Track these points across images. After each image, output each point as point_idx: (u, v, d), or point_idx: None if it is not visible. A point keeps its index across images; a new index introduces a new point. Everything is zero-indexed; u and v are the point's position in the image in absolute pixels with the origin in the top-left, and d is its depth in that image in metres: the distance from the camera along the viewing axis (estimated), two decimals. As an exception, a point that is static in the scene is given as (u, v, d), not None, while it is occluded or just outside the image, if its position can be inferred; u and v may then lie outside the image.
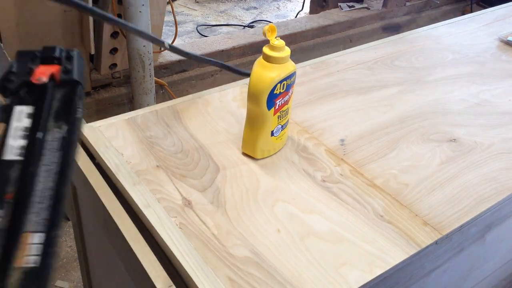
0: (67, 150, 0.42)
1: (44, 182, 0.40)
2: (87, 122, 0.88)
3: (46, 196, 0.40)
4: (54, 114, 0.43)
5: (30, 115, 0.42)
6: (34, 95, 0.43)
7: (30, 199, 0.39)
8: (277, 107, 0.79)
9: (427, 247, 0.69)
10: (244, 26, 3.57)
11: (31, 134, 0.42)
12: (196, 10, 3.82)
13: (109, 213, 0.71)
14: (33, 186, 0.40)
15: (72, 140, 0.42)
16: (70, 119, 0.43)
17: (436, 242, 0.70)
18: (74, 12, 1.84)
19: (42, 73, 0.43)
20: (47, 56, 0.45)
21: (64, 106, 0.43)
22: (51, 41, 1.84)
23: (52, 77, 0.44)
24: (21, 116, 0.42)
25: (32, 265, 0.38)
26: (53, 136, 0.42)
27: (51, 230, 0.39)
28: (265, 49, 0.76)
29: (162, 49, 2.24)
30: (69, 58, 0.46)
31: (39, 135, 0.41)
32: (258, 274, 0.63)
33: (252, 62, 0.79)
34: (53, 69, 0.44)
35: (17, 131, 0.42)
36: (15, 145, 0.41)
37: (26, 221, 0.39)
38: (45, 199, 0.40)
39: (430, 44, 1.29)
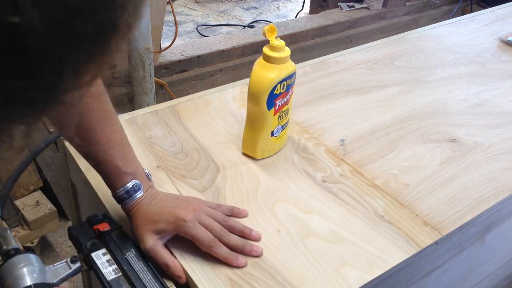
0: (143, 257, 0.63)
1: (146, 276, 0.61)
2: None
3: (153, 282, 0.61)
4: (120, 245, 0.64)
5: (105, 253, 0.63)
6: (101, 241, 0.64)
7: None
8: (277, 107, 0.79)
9: (427, 247, 0.69)
10: (244, 26, 3.57)
11: (115, 260, 0.62)
12: (196, 10, 3.82)
13: (109, 213, 0.71)
14: (143, 282, 0.60)
15: (140, 253, 0.63)
16: (131, 243, 0.65)
17: (436, 243, 0.70)
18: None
19: (102, 227, 0.65)
20: (94, 220, 0.66)
21: (122, 239, 0.65)
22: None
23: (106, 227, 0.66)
24: (99, 256, 0.63)
25: None
26: (131, 254, 0.63)
27: None
28: (265, 50, 0.76)
29: (162, 49, 2.24)
30: (105, 216, 0.68)
31: (125, 256, 0.63)
32: (258, 274, 0.63)
33: (252, 62, 0.79)
34: (105, 224, 0.65)
35: (104, 263, 0.62)
36: (108, 271, 0.61)
37: None
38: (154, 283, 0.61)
39: (430, 44, 1.29)
